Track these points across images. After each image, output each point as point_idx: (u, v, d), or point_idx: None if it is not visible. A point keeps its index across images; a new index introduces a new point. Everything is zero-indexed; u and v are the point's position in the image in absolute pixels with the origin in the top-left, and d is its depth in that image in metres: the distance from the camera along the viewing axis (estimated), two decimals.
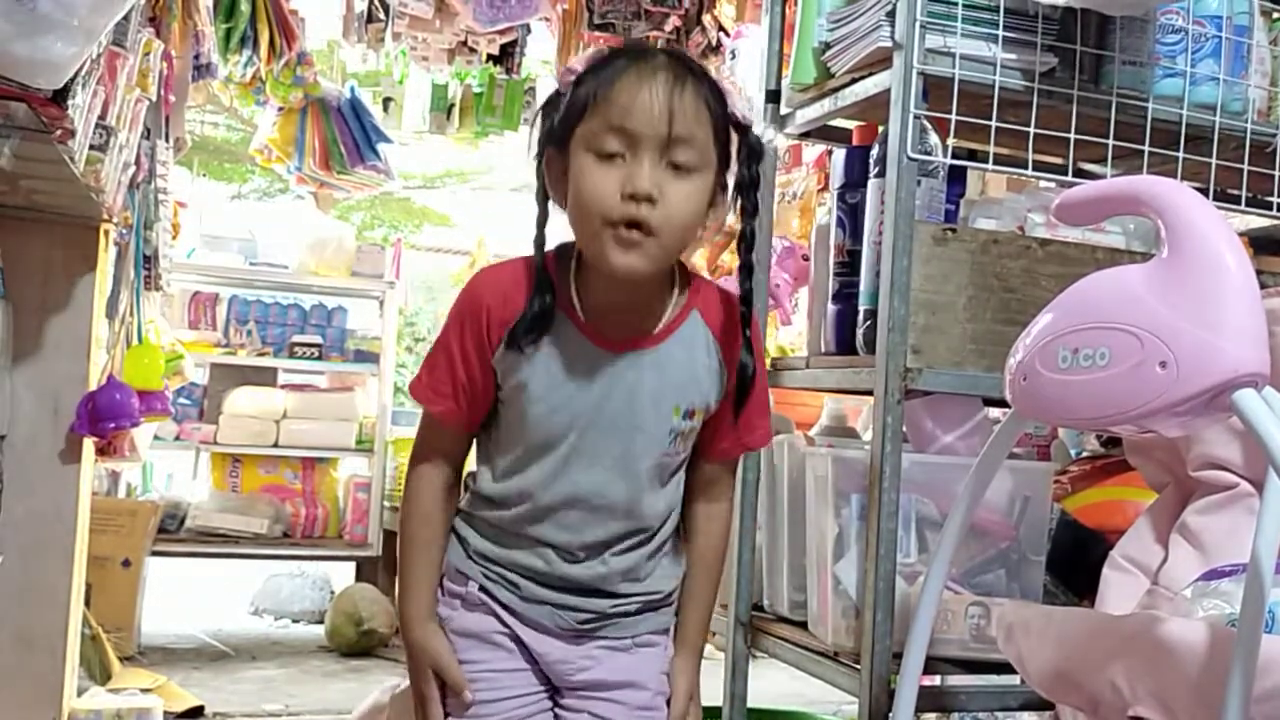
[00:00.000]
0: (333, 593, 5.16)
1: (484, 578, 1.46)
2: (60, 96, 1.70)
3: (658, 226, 1.30)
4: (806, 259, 2.25)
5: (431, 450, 1.48)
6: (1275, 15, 2.04)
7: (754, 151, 1.40)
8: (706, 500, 1.52)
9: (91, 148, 2.06)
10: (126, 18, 2.06)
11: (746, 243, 1.41)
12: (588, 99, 1.32)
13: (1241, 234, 2.44)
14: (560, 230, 1.42)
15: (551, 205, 1.41)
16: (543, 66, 6.30)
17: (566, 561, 1.44)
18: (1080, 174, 1.90)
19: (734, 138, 1.38)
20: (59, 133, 1.81)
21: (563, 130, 1.35)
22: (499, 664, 1.45)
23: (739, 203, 1.41)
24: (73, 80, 1.69)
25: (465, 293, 1.43)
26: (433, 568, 1.48)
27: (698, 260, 4.80)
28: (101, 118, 2.08)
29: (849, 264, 1.98)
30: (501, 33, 4.97)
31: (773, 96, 2.18)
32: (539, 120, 1.40)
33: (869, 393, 1.86)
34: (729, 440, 1.49)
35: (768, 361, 2.17)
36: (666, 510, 1.47)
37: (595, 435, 1.39)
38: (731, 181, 1.40)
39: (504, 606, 1.45)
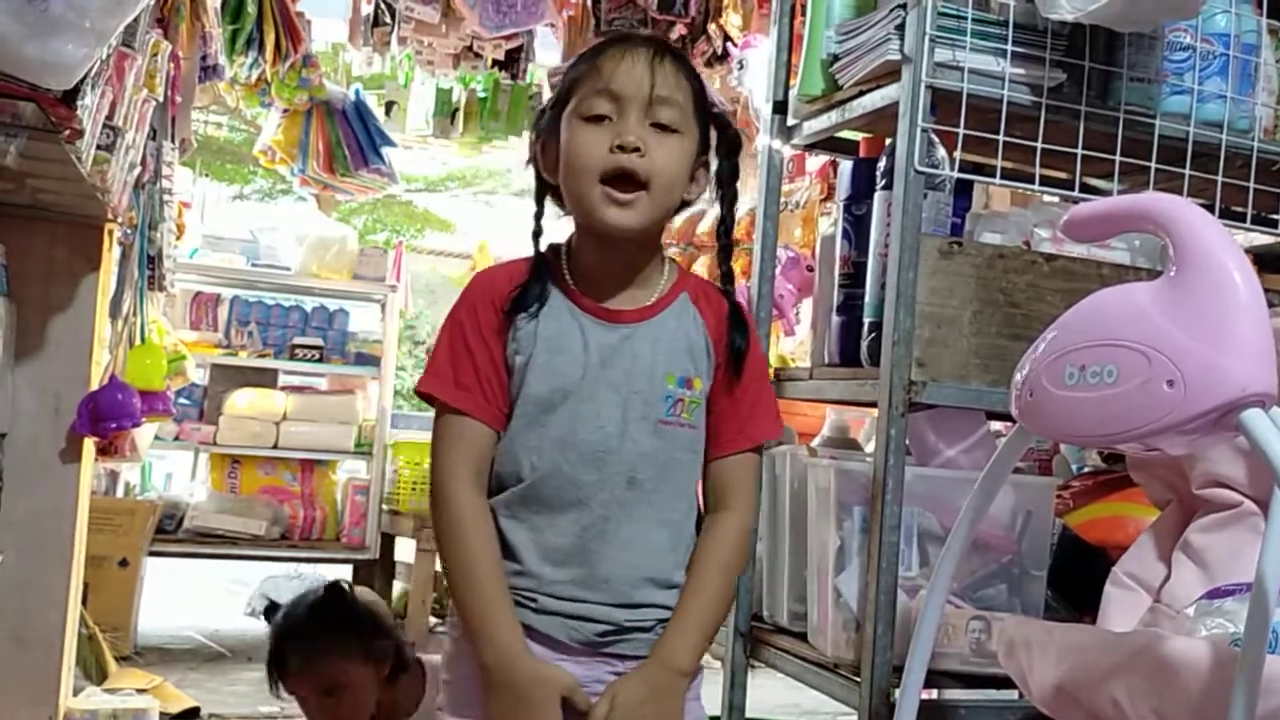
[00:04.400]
0: None
1: None
2: (70, 97, 1.71)
3: (646, 177, 1.36)
4: (811, 269, 2.26)
5: (461, 465, 1.40)
6: None
7: (733, 145, 1.49)
8: (714, 509, 1.46)
9: (98, 148, 2.07)
10: (135, 19, 2.06)
11: (726, 226, 1.51)
12: (576, 77, 1.42)
13: (1245, 251, 2.44)
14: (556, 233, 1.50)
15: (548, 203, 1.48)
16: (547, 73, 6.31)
17: (562, 537, 1.38)
18: (1086, 189, 1.91)
19: (713, 133, 1.47)
20: (67, 133, 1.81)
21: (554, 114, 1.43)
22: None
23: (720, 192, 1.49)
24: (82, 81, 1.69)
25: (469, 287, 1.47)
26: (508, 595, 1.38)
27: (698, 269, 4.81)
28: (109, 118, 2.09)
29: (854, 275, 1.98)
30: (507, 38, 4.98)
31: (780, 107, 2.19)
32: (535, 124, 1.49)
33: (872, 404, 1.86)
34: (730, 430, 1.45)
35: (770, 371, 2.17)
36: (673, 492, 1.42)
37: (592, 403, 1.39)
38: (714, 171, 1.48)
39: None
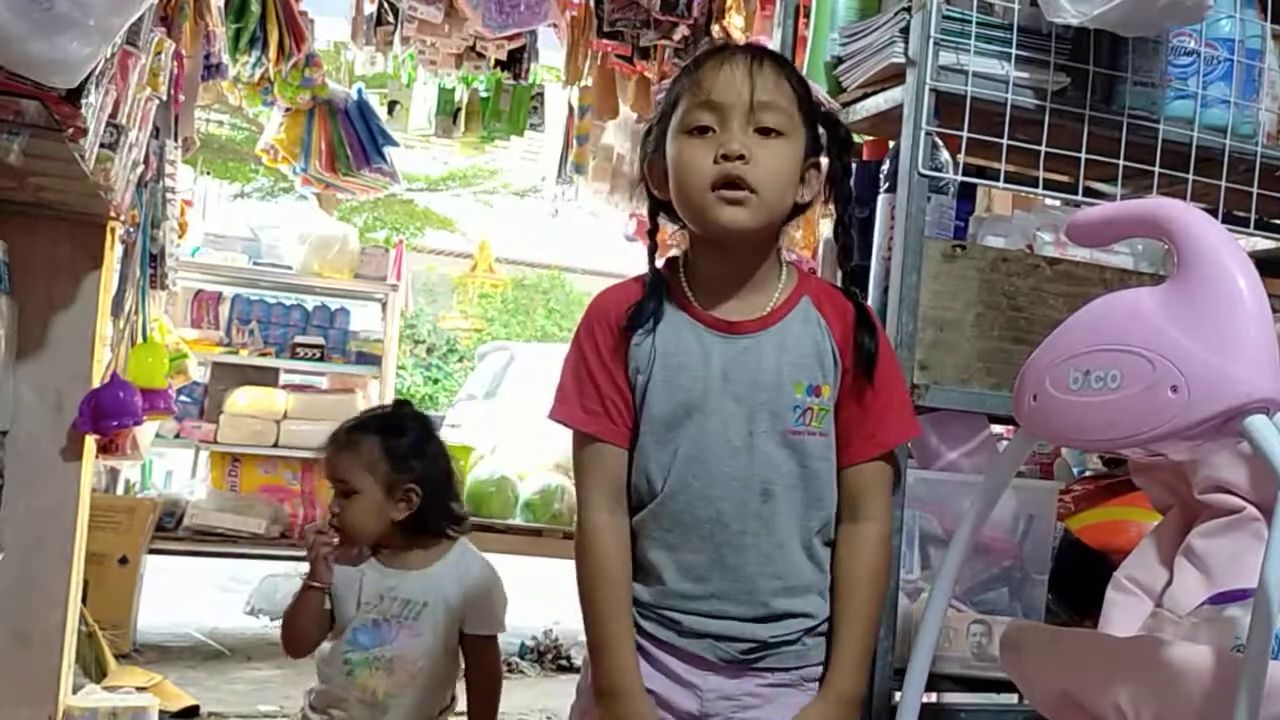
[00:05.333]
0: None
1: (640, 617, 1.42)
2: (74, 95, 1.71)
3: (754, 182, 1.36)
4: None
5: (596, 490, 1.43)
6: None
7: (845, 143, 1.49)
8: (851, 520, 1.44)
9: (102, 146, 2.07)
10: (139, 17, 2.06)
11: (844, 227, 1.49)
12: (678, 92, 1.42)
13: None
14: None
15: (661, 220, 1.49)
16: (549, 73, 6.31)
17: (698, 553, 1.39)
18: (1089, 193, 1.91)
19: (822, 131, 1.46)
20: (71, 131, 1.81)
21: (660, 130, 1.44)
22: None
23: (833, 192, 1.48)
24: (87, 79, 1.69)
25: (586, 312, 1.48)
26: (630, 630, 1.40)
27: None
28: (112, 116, 2.09)
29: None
30: (510, 38, 4.98)
31: None
32: (642, 142, 1.48)
33: None
34: (861, 437, 1.43)
35: None
36: (807, 501, 1.41)
37: (720, 415, 1.39)
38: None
39: (660, 644, 1.41)
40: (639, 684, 1.38)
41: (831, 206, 1.51)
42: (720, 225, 1.37)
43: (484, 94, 5.71)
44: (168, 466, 6.70)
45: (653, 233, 1.50)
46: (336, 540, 2.01)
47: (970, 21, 1.79)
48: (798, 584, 1.41)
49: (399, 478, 2.00)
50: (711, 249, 1.43)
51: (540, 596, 4.32)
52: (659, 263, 1.49)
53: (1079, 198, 1.88)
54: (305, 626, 2.04)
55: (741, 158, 1.35)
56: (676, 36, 4.53)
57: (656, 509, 1.41)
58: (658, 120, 1.45)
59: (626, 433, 1.42)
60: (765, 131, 1.37)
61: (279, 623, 2.17)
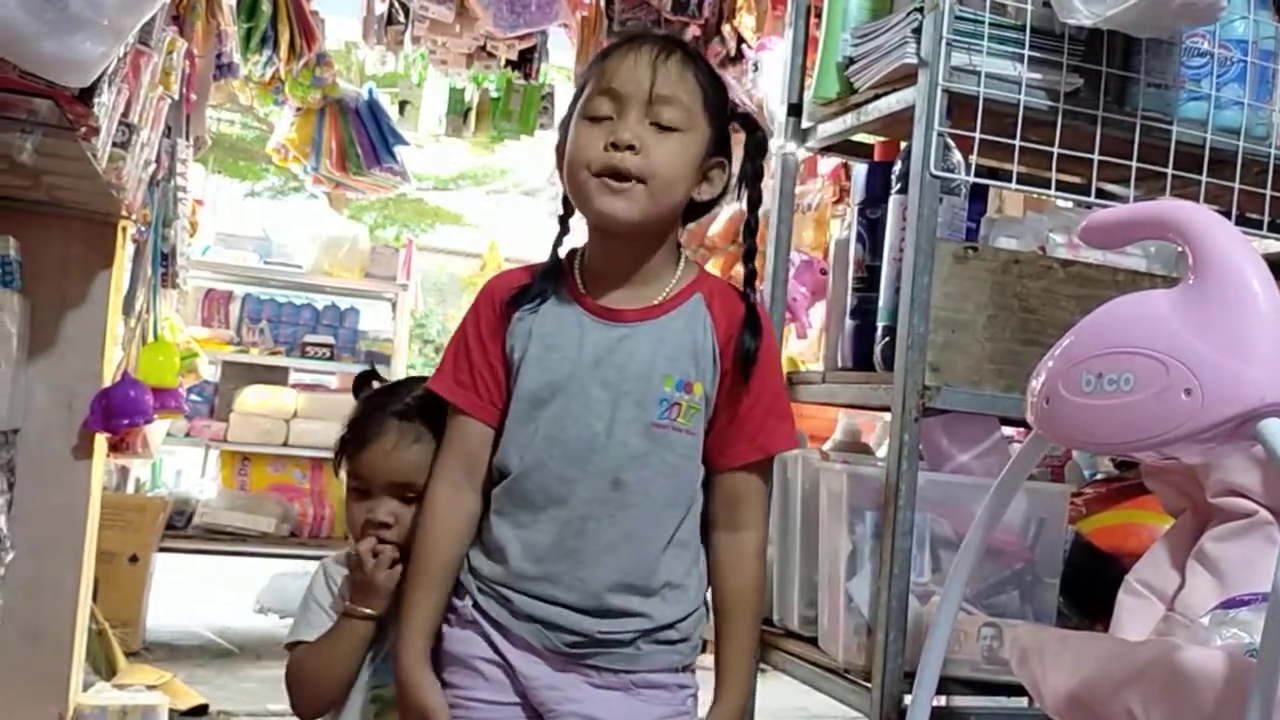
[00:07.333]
0: None
1: (478, 592, 1.42)
2: (87, 94, 1.71)
3: (640, 174, 1.36)
4: (825, 273, 2.25)
5: (450, 462, 1.43)
6: None
7: (759, 147, 1.48)
8: (729, 528, 1.43)
9: (114, 145, 2.07)
10: (152, 17, 2.06)
11: (750, 229, 1.48)
12: (586, 77, 1.43)
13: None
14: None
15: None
16: (560, 73, 6.32)
17: (543, 534, 1.38)
18: (1102, 195, 1.90)
19: (740, 133, 1.47)
20: (83, 130, 1.81)
21: (568, 115, 1.44)
22: (480, 693, 1.40)
23: (743, 193, 1.48)
24: (99, 79, 1.70)
25: (480, 291, 1.49)
26: (435, 605, 1.41)
27: (709, 269, 4.80)
28: (124, 115, 2.09)
29: (868, 280, 1.97)
30: (521, 38, 4.98)
31: (794, 110, 2.19)
32: (560, 126, 1.48)
33: (885, 409, 1.85)
34: (740, 440, 1.42)
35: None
36: (663, 498, 1.39)
37: (584, 398, 1.39)
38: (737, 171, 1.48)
39: (494, 624, 1.41)
40: (418, 659, 1.39)
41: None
42: (598, 212, 1.38)
43: (494, 94, 5.70)
44: (177, 465, 6.72)
45: (564, 217, 1.49)
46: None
47: (983, 22, 1.78)
48: (641, 583, 1.39)
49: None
50: (600, 236, 1.44)
51: None
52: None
53: (1091, 199, 1.87)
54: (341, 671, 1.50)
55: (631, 148, 1.35)
56: (687, 37, 4.53)
57: (511, 485, 1.41)
58: (570, 102, 1.45)
59: (493, 410, 1.43)
60: (662, 125, 1.37)
61: (288, 621, 2.03)
